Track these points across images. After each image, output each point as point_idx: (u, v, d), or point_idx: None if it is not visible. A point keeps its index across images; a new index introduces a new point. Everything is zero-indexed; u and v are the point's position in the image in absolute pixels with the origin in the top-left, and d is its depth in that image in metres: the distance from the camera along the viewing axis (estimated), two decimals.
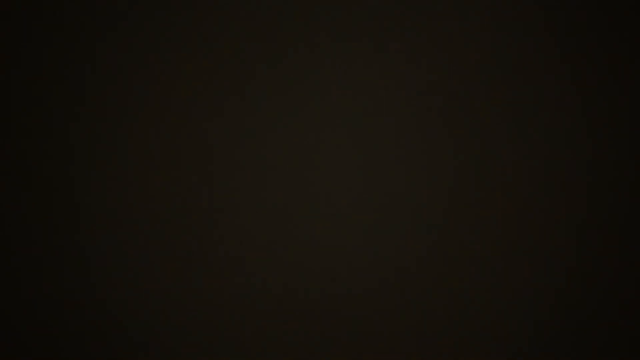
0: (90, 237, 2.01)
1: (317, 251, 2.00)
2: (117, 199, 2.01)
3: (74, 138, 2.02)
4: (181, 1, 2.03)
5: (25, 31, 2.03)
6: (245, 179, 2.01)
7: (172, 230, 2.00)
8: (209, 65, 2.02)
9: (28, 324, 2.01)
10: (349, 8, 2.01)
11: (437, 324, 1.99)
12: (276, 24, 2.02)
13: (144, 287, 2.00)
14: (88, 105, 2.02)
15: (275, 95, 2.02)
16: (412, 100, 2.00)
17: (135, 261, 2.01)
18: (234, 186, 2.01)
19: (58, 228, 2.01)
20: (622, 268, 1.99)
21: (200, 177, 2.00)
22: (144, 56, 2.02)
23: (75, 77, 2.03)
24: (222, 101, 2.02)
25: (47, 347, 2.01)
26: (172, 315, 2.00)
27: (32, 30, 2.03)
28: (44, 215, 2.01)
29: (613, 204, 1.99)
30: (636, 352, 1.98)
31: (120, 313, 2.00)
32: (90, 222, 2.01)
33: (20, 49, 2.03)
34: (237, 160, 2.01)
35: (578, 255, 1.99)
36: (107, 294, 2.00)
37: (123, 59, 2.02)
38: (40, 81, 2.03)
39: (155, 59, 2.02)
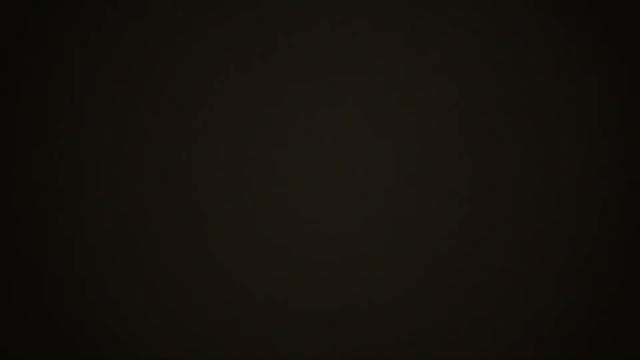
0: (85, 239, 2.01)
1: (317, 253, 2.00)
2: (110, 200, 2.01)
3: (67, 138, 2.02)
4: (180, 3, 2.02)
5: (20, 35, 2.03)
6: (245, 180, 2.01)
7: (170, 233, 2.00)
8: (207, 64, 2.02)
9: (22, 324, 2.02)
10: (351, 9, 2.01)
11: (439, 327, 1.99)
12: (279, 22, 2.01)
13: (140, 290, 2.00)
14: (83, 105, 2.02)
15: (275, 95, 2.01)
16: (417, 101, 2.00)
17: (131, 264, 2.01)
18: (234, 188, 2.01)
19: (53, 230, 2.01)
20: (628, 268, 1.99)
21: (199, 178, 2.01)
22: (138, 54, 2.02)
23: (68, 77, 2.03)
24: (221, 101, 2.02)
25: (42, 348, 2.02)
26: (170, 317, 2.01)
27: (27, 34, 2.03)
28: (38, 218, 2.02)
29: (617, 204, 1.99)
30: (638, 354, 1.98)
31: (115, 315, 2.01)
32: (84, 224, 2.01)
33: (15, 54, 2.03)
34: (236, 161, 2.01)
35: (583, 258, 1.99)
36: (101, 297, 2.01)
37: (119, 58, 2.02)
38: (37, 82, 2.03)
39: (150, 56, 2.02)
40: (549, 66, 2.00)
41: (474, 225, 1.99)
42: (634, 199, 1.99)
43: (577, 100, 1.99)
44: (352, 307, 1.99)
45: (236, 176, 2.01)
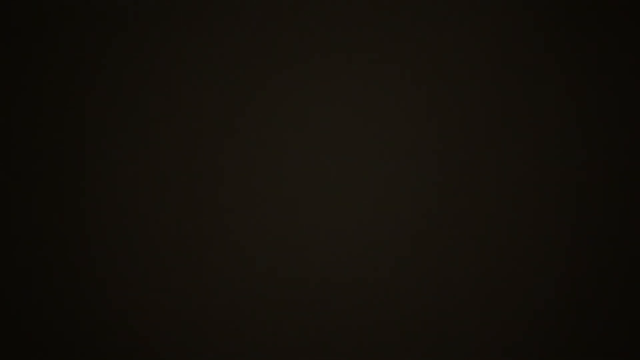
0: (97, 237, 2.01)
1: (317, 252, 2.00)
2: (123, 197, 2.01)
3: (81, 137, 2.03)
4: (189, 10, 2.04)
5: (29, 37, 2.04)
6: (247, 179, 2.01)
7: (178, 229, 2.01)
8: (215, 69, 2.03)
9: (30, 323, 2.02)
10: (346, 16, 2.02)
11: (434, 324, 1.99)
12: (276, 35, 2.02)
13: (150, 286, 2.00)
14: (96, 106, 2.03)
15: (278, 98, 2.02)
16: (407, 103, 2.01)
17: (142, 260, 2.01)
18: (238, 186, 2.01)
19: (64, 229, 2.02)
20: (617, 269, 1.98)
21: (206, 176, 2.01)
22: (150, 58, 2.03)
23: (82, 79, 2.04)
24: (226, 102, 2.02)
25: (49, 347, 2.02)
26: (179, 315, 2.00)
27: (37, 38, 2.04)
28: (50, 215, 2.02)
29: (607, 207, 1.99)
30: (634, 354, 1.97)
31: (125, 312, 2.01)
32: (96, 222, 2.01)
33: (22, 57, 2.04)
34: (238, 160, 2.01)
35: (571, 259, 1.99)
36: (113, 294, 2.01)
37: (130, 63, 2.03)
38: (49, 83, 2.04)
39: (162, 60, 2.03)
40: (535, 71, 2.00)
41: (469, 224, 1.99)
42: (614, 198, 1.99)
43: (559, 101, 2.00)
44: (353, 307, 1.99)
45: (237, 176, 2.01)
